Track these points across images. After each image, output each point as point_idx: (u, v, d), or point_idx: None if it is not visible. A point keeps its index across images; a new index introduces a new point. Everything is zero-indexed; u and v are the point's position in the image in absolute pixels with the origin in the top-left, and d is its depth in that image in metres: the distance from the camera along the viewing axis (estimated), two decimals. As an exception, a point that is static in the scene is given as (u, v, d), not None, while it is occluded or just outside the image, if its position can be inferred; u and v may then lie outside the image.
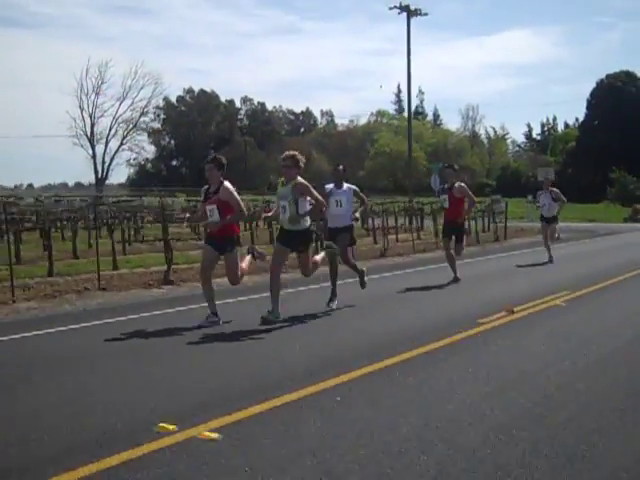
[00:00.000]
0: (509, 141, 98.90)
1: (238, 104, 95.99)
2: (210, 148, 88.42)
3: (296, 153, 8.78)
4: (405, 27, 38.76)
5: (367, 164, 73.09)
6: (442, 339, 6.94)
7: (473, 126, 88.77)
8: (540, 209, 16.65)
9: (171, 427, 4.32)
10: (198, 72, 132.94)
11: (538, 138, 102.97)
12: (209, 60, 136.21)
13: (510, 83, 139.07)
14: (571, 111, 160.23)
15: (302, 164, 8.71)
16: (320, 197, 8.88)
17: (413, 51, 40.62)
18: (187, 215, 9.71)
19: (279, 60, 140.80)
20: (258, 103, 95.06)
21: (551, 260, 15.60)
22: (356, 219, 10.03)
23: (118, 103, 77.86)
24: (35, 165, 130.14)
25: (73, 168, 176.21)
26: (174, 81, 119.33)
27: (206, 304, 8.45)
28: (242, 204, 8.67)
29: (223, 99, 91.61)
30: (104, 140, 77.97)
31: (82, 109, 76.79)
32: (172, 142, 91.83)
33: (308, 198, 8.63)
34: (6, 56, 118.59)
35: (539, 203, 16.67)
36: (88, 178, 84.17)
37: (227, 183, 8.55)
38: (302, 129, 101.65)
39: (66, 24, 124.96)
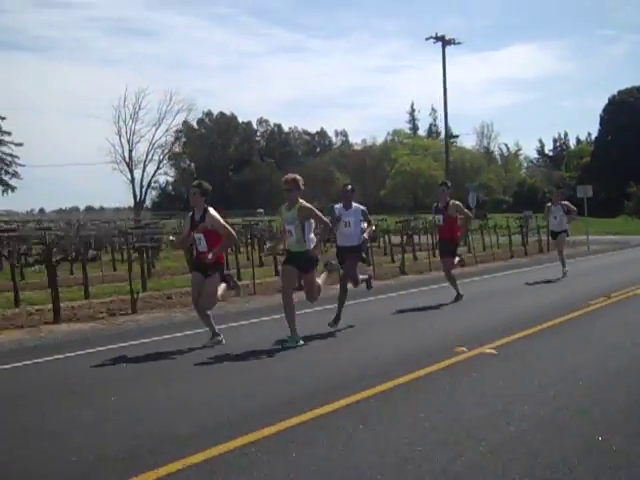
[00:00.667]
0: (522, 157, 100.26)
1: (254, 126, 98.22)
2: (230, 170, 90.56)
3: (296, 176, 8.83)
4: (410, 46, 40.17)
5: (388, 183, 74.46)
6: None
7: (488, 143, 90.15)
8: (551, 224, 16.25)
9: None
10: (203, 92, 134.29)
11: (550, 154, 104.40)
12: (214, 80, 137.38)
13: (516, 98, 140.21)
14: (579, 125, 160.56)
15: (302, 186, 8.73)
16: (325, 218, 8.93)
17: (419, 67, 42.19)
18: (171, 238, 9.72)
19: (285, 79, 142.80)
20: (274, 124, 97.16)
21: (566, 272, 15.31)
22: (364, 240, 9.94)
23: (154, 129, 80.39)
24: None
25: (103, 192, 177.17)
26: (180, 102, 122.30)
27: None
28: (229, 228, 8.67)
29: (241, 121, 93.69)
30: (141, 165, 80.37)
31: (120, 135, 79.01)
32: (192, 165, 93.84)
33: (312, 220, 8.67)
34: (11, 80, 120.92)
35: (547, 217, 16.22)
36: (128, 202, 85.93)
37: (212, 210, 8.60)
38: (317, 149, 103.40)
39: (69, 47, 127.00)
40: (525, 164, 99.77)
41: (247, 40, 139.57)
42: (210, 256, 8.27)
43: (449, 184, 12.39)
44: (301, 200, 8.62)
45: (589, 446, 4.44)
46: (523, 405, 5.35)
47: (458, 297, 11.85)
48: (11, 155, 77.00)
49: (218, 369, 7.16)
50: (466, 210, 12.32)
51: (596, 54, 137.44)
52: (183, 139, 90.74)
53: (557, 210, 15.74)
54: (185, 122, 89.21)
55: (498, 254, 23.07)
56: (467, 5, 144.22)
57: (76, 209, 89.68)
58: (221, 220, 8.55)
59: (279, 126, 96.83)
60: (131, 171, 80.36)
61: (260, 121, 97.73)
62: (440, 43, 39.43)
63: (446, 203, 11.90)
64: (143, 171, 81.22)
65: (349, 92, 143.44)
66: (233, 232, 8.75)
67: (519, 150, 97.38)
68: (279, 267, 14.95)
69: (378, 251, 23.42)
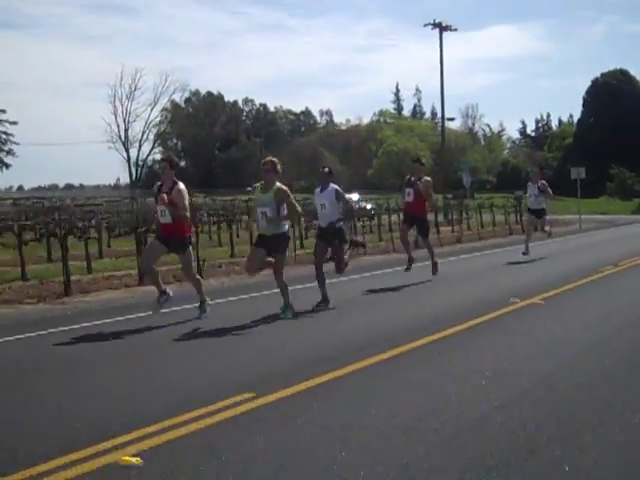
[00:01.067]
0: (504, 138, 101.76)
1: (240, 105, 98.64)
2: (216, 149, 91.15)
3: (274, 159, 8.96)
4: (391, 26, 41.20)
5: (375, 162, 75.66)
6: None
7: (473, 124, 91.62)
8: (527, 200, 16.65)
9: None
10: (183, 70, 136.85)
11: (533, 134, 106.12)
12: (193, 57, 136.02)
13: (496, 78, 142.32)
14: (558, 106, 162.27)
15: (280, 169, 8.81)
16: (296, 204, 9.03)
17: (398, 46, 43.31)
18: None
19: (265, 57, 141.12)
20: (260, 104, 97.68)
21: (527, 252, 15.16)
22: (340, 220, 9.85)
23: (150, 109, 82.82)
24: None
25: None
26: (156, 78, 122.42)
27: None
28: (187, 210, 8.66)
29: (227, 100, 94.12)
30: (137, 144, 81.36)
31: (116, 114, 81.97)
32: (179, 143, 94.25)
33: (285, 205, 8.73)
34: None
35: (528, 194, 16.43)
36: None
37: (181, 185, 8.66)
38: (302, 129, 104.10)
39: (50, 24, 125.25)
40: (508, 145, 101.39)
41: (227, 18, 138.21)
42: (165, 198, 8.43)
43: (423, 161, 12.90)
44: (278, 182, 8.71)
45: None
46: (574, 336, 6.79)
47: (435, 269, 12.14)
48: (5, 133, 77.26)
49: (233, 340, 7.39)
50: (431, 192, 12.40)
51: (575, 35, 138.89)
52: (169, 118, 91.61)
53: (533, 189, 15.99)
54: (172, 101, 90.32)
55: (497, 231, 24.46)
56: None
57: (55, 186, 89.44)
58: (185, 199, 8.58)
59: (264, 106, 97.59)
60: (127, 150, 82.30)
61: (246, 101, 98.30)
62: (429, 28, 40.61)
63: (419, 178, 12.03)
64: (139, 150, 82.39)
65: (330, 71, 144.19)
66: (188, 214, 8.73)
67: (502, 131, 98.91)
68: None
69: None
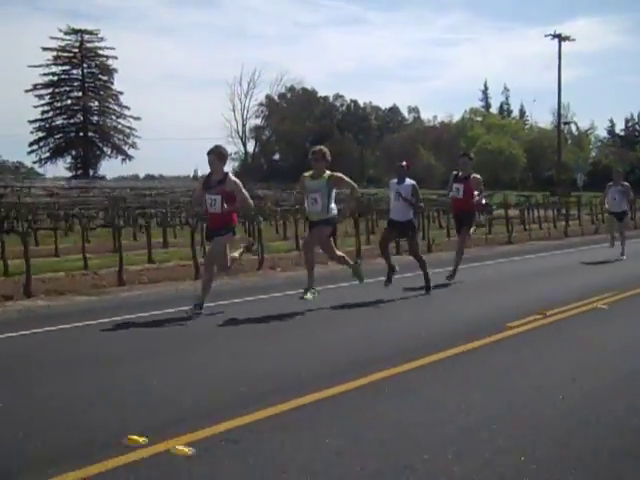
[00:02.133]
0: (592, 136, 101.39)
1: (331, 100, 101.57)
2: (309, 143, 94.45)
3: (323, 147, 9.40)
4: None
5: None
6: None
7: (566, 124, 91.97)
8: (608, 203, 15.80)
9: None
10: (261, 62, 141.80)
11: (621, 134, 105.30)
12: (272, 50, 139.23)
13: (578, 73, 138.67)
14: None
15: (329, 157, 9.25)
16: (352, 182, 9.59)
17: (474, 40, 45.17)
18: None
19: (341, 50, 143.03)
20: (351, 100, 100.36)
21: (612, 245, 15.38)
22: (419, 208, 10.85)
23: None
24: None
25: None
26: (230, 71, 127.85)
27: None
28: (247, 195, 8.98)
29: (319, 95, 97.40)
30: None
31: (235, 111, 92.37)
32: (272, 138, 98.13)
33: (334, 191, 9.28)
34: None
35: (606, 197, 15.78)
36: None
37: (232, 175, 8.94)
38: (390, 124, 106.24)
39: (127, 16, 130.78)
40: (597, 144, 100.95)
41: (303, 11, 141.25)
42: (225, 207, 8.60)
43: (472, 155, 12.46)
44: (328, 170, 9.24)
45: None
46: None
47: (452, 276, 11.64)
48: (130, 128, 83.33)
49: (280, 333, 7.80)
50: (482, 187, 12.08)
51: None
52: (265, 112, 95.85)
53: (616, 191, 15.44)
54: (268, 96, 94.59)
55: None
56: None
57: (135, 176, 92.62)
58: (241, 186, 8.85)
59: (355, 102, 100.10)
60: (244, 144, 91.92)
61: (336, 96, 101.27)
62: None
63: (468, 174, 11.73)
64: (255, 145, 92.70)
65: (407, 65, 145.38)
66: (250, 200, 9.16)
67: (589, 129, 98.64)
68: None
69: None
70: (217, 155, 8.85)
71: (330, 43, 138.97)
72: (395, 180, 10.73)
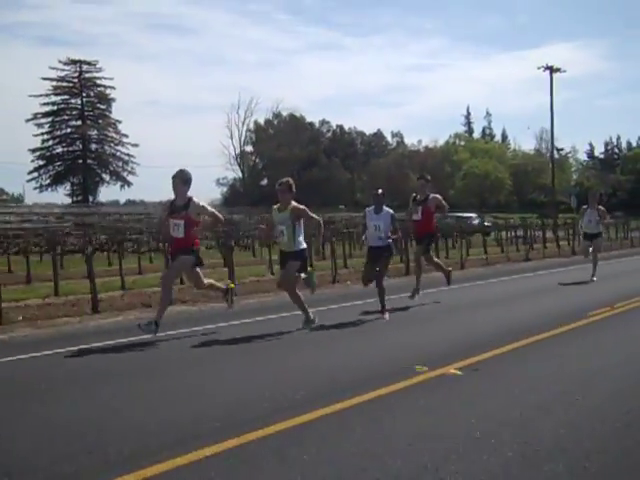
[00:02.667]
0: (571, 159, 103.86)
1: (317, 125, 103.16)
2: (297, 169, 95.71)
3: (289, 179, 9.41)
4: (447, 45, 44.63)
5: (457, 184, 79.29)
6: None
7: (547, 147, 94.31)
8: (584, 226, 15.68)
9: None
10: (240, 88, 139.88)
11: (601, 157, 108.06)
12: (249, 76, 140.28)
13: (555, 97, 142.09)
14: (622, 126, 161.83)
15: (294, 189, 9.24)
16: (315, 216, 9.51)
17: (452, 66, 46.96)
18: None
19: (319, 76, 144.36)
20: (337, 125, 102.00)
21: (593, 277, 14.97)
22: (398, 238, 11.03)
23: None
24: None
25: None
26: (213, 98, 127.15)
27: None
28: (216, 212, 9.10)
29: (307, 121, 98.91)
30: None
31: (232, 138, 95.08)
32: (260, 163, 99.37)
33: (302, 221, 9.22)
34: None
35: (583, 220, 15.69)
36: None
37: (196, 199, 8.84)
38: (375, 149, 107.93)
39: (107, 43, 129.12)
40: (575, 166, 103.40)
41: (282, 37, 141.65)
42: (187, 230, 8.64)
43: (428, 177, 12.51)
44: (293, 202, 9.21)
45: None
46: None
47: (415, 293, 11.82)
48: (128, 155, 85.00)
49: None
50: (444, 202, 12.18)
51: (636, 54, 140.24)
52: (253, 138, 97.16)
53: (592, 214, 15.40)
54: (255, 122, 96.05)
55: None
56: (505, 3, 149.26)
57: (115, 202, 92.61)
58: (207, 206, 8.97)
59: (341, 127, 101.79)
60: (243, 172, 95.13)
61: (322, 122, 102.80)
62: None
63: (426, 197, 11.92)
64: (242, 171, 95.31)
65: (384, 90, 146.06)
66: (220, 216, 9.22)
67: (569, 153, 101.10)
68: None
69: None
70: (181, 179, 8.86)
71: (308, 69, 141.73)
72: (372, 208, 10.60)
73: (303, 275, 9.49)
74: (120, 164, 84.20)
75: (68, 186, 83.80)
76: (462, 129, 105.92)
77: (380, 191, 10.67)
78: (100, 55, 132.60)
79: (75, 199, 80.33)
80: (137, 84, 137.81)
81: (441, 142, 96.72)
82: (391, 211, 10.52)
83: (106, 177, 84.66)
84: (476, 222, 37.57)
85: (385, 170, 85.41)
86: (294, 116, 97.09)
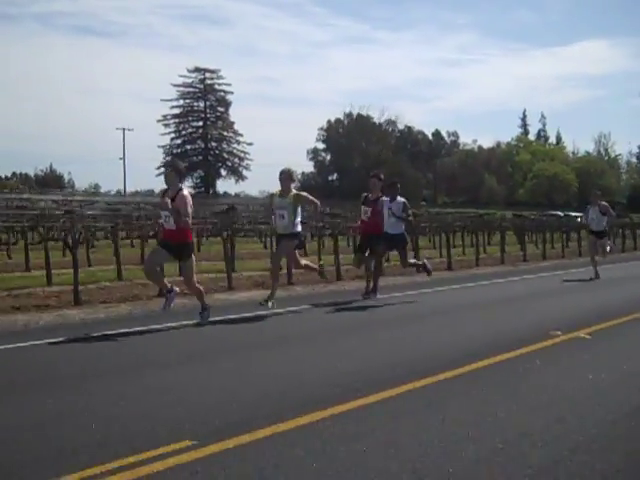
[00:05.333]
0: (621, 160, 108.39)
1: (383, 125, 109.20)
2: (365, 166, 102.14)
3: (290, 168, 10.09)
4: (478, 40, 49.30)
5: (527, 184, 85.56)
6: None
7: (606, 150, 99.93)
8: (589, 224, 16.20)
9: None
10: (270, 80, 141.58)
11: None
12: (281, 68, 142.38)
13: (584, 95, 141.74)
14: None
15: (295, 177, 10.01)
16: (316, 200, 10.26)
17: (483, 61, 49.86)
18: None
19: (351, 69, 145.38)
20: (405, 126, 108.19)
21: (597, 276, 15.28)
22: (409, 222, 11.71)
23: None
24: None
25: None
26: (245, 88, 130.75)
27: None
28: (189, 216, 8.52)
29: (376, 121, 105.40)
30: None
31: None
32: (328, 159, 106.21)
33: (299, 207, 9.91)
34: (83, 64, 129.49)
35: (587, 218, 16.25)
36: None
37: (185, 191, 8.66)
38: (436, 148, 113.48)
39: (140, 33, 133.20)
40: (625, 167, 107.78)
41: (314, 30, 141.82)
42: (169, 203, 8.42)
43: (382, 176, 11.96)
44: (294, 189, 10.04)
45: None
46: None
47: (371, 292, 11.66)
48: (243, 152, 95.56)
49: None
50: (410, 211, 11.85)
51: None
52: (324, 136, 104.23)
53: (594, 211, 15.83)
54: (328, 121, 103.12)
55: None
56: None
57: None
58: (188, 205, 8.49)
59: (409, 128, 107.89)
60: (315, 166, 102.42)
61: (388, 122, 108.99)
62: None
63: (377, 197, 11.58)
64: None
65: (415, 84, 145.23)
66: (189, 221, 8.62)
67: (619, 155, 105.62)
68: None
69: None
70: (174, 169, 8.86)
71: (340, 62, 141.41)
72: (387, 198, 11.51)
73: (317, 268, 10.92)
74: (236, 160, 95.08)
75: (193, 180, 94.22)
76: (510, 128, 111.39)
77: (396, 182, 11.88)
78: (133, 45, 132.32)
79: (198, 191, 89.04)
80: (172, 74, 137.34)
81: (490, 142, 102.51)
82: (403, 199, 11.54)
83: (223, 172, 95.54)
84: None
85: (450, 169, 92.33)
86: (362, 116, 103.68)
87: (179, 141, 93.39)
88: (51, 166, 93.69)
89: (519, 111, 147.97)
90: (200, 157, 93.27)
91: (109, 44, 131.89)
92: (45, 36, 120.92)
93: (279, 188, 10.09)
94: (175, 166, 8.98)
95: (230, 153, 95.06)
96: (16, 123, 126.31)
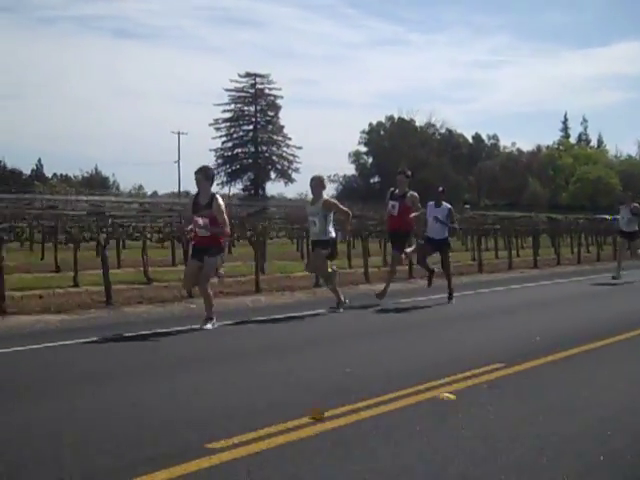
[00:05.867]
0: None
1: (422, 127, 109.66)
2: (409, 168, 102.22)
3: (321, 175, 10.29)
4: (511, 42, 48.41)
5: (571, 188, 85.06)
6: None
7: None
8: (619, 223, 16.54)
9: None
10: (305, 82, 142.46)
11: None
12: (315, 70, 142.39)
13: (621, 97, 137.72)
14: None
15: (325, 184, 10.26)
16: (345, 208, 10.51)
17: (516, 62, 48.96)
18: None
19: (384, 71, 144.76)
20: (446, 129, 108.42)
21: (617, 277, 15.41)
22: (453, 229, 12.12)
23: None
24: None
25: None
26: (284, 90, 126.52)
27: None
28: (227, 224, 8.68)
29: (418, 125, 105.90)
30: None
31: None
32: (370, 161, 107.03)
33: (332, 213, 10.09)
34: (116, 66, 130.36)
35: (619, 217, 16.60)
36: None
37: (220, 199, 8.69)
38: (477, 151, 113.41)
39: (173, 35, 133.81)
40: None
41: (348, 32, 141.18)
42: (201, 221, 8.37)
43: (409, 173, 11.99)
44: (325, 196, 10.23)
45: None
46: None
47: (381, 295, 11.69)
48: (293, 155, 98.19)
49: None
50: (419, 205, 11.87)
51: None
52: (366, 139, 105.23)
53: (626, 212, 16.15)
54: (370, 124, 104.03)
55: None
56: (571, 0, 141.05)
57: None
58: (224, 213, 8.62)
59: (450, 131, 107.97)
60: (356, 169, 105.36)
61: (428, 125, 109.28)
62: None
63: (404, 192, 11.66)
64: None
65: (448, 86, 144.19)
66: (227, 228, 8.76)
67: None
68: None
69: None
70: (204, 175, 8.85)
71: (373, 64, 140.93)
72: (432, 203, 12.05)
73: (335, 267, 10.91)
74: (286, 163, 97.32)
75: (242, 182, 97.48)
76: (546, 130, 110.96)
77: (441, 188, 12.40)
78: (168, 47, 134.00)
79: (249, 193, 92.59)
80: (207, 76, 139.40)
81: (528, 145, 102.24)
82: (449, 205, 12.01)
83: (273, 175, 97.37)
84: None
85: (490, 172, 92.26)
86: (403, 120, 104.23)
87: (230, 144, 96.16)
88: (96, 168, 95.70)
89: (554, 113, 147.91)
90: (250, 160, 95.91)
91: (143, 45, 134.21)
92: (81, 38, 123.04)
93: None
94: (204, 171, 8.94)
95: (280, 156, 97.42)
96: (55, 125, 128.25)
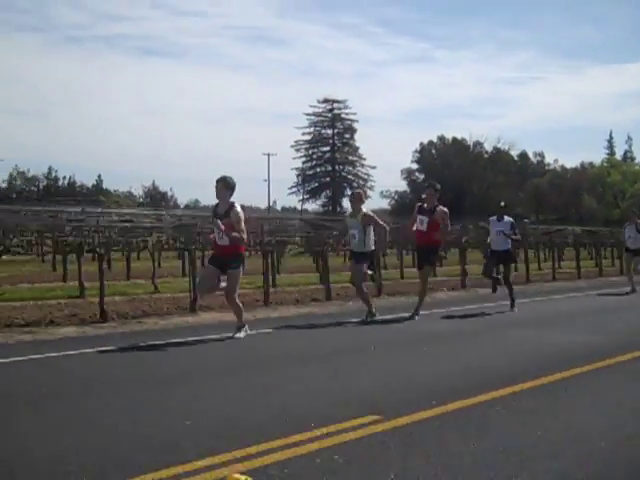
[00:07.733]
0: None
1: (471, 147, 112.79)
2: (457, 186, 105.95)
3: (360, 191, 10.96)
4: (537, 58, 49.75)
5: (623, 204, 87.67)
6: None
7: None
8: (625, 241, 16.71)
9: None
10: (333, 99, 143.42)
11: None
12: (342, 88, 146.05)
13: None
14: None
15: (364, 199, 10.83)
16: (383, 223, 10.72)
17: (545, 79, 51.41)
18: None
19: (411, 88, 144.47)
20: (494, 148, 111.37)
21: (634, 290, 15.69)
22: (517, 241, 12.54)
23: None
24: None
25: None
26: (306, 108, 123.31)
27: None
28: (244, 232, 8.69)
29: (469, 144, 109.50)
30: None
31: None
32: (422, 178, 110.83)
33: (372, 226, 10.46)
34: (144, 83, 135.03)
35: (624, 235, 16.65)
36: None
37: (238, 207, 8.70)
38: (524, 168, 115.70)
39: (202, 53, 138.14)
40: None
41: (374, 49, 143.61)
42: (222, 227, 8.48)
43: (438, 187, 11.74)
44: (364, 209, 10.61)
45: None
46: None
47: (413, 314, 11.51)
48: (367, 174, 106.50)
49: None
50: (448, 222, 11.63)
51: None
52: (417, 158, 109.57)
53: (631, 229, 16.36)
54: (421, 143, 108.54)
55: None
56: (599, 15, 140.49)
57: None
58: (242, 221, 8.58)
59: (498, 149, 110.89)
60: (408, 185, 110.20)
61: (476, 143, 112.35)
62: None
63: (434, 206, 11.39)
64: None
65: (475, 103, 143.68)
66: (244, 235, 8.75)
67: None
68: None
69: None
70: (224, 184, 8.81)
71: (399, 81, 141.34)
72: (495, 217, 12.66)
73: (370, 272, 11.07)
74: (361, 182, 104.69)
75: (321, 199, 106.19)
76: (605, 152, 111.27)
77: (503, 203, 13.09)
78: (195, 65, 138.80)
79: (328, 209, 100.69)
80: (235, 93, 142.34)
81: (569, 162, 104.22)
82: (511, 219, 12.61)
83: (349, 192, 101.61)
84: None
85: (539, 188, 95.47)
86: (456, 139, 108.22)
87: (309, 164, 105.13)
88: (153, 183, 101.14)
89: (584, 129, 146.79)
90: (328, 178, 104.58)
91: (171, 64, 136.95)
92: (108, 57, 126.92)
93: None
94: (224, 181, 8.94)
95: (355, 175, 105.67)
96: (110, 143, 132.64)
